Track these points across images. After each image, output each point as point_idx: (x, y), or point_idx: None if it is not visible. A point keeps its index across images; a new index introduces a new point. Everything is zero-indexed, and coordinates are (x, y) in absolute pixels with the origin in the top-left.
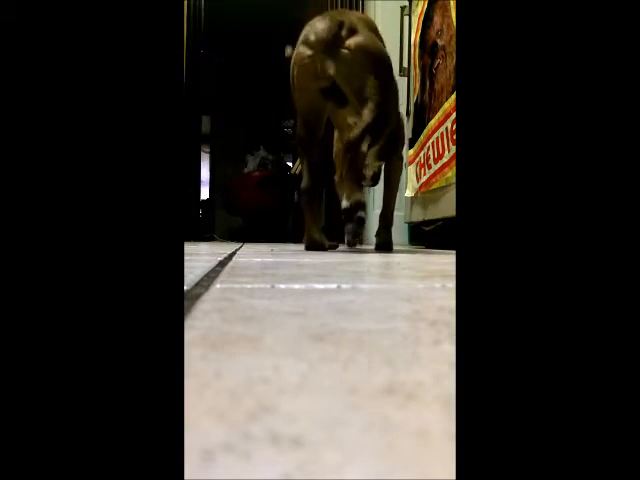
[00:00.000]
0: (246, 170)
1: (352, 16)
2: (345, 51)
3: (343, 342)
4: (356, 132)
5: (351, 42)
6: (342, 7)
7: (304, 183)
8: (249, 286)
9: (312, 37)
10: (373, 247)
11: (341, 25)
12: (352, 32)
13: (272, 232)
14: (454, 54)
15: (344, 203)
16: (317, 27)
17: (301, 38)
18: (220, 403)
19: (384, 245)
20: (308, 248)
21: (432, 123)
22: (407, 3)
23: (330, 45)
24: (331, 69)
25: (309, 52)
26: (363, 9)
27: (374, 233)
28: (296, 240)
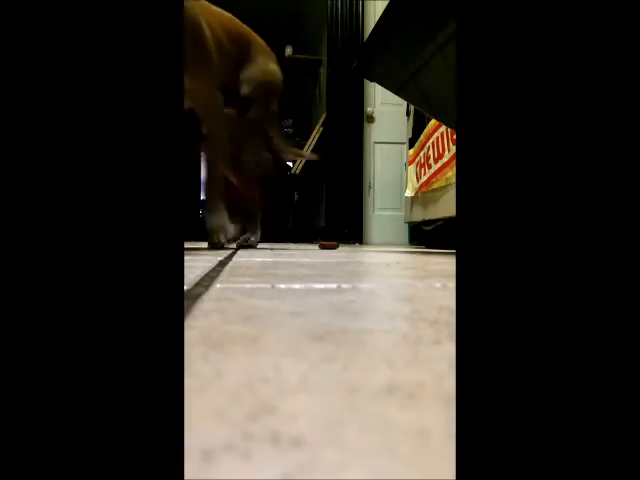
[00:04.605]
0: None
1: None
2: None
3: (343, 342)
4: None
5: None
6: (342, 7)
7: None
8: (249, 286)
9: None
10: (376, 247)
11: None
12: None
13: (272, 232)
14: None
15: None
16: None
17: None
18: (220, 403)
19: None
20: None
21: (432, 123)
22: None
23: None
24: None
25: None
26: (363, 9)
27: (374, 233)
28: (296, 240)
